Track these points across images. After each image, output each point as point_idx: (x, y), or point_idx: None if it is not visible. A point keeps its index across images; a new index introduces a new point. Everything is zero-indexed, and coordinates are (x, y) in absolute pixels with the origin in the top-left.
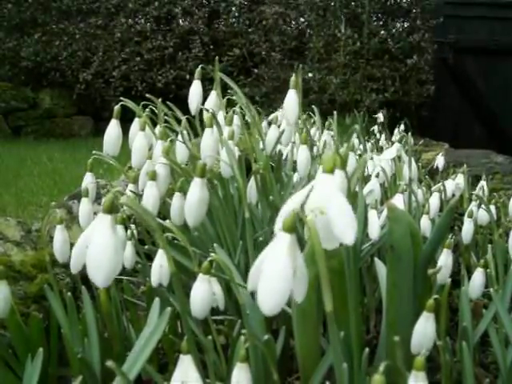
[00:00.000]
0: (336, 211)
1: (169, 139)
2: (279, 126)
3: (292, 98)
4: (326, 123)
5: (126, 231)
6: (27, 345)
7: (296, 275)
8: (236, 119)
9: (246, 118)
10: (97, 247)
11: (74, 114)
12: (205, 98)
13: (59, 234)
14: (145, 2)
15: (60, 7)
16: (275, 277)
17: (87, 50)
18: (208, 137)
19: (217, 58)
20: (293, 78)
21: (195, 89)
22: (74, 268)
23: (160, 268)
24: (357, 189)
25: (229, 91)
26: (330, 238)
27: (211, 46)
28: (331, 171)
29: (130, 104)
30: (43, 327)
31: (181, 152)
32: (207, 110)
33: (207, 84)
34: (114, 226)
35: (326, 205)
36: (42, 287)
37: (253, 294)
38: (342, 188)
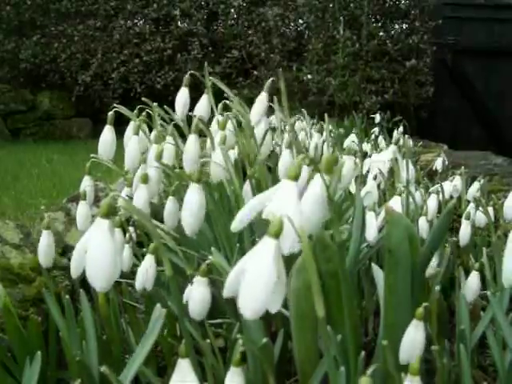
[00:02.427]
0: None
1: (163, 143)
2: (274, 129)
3: (261, 100)
4: (318, 126)
5: (124, 234)
6: (26, 348)
7: (276, 282)
8: (229, 124)
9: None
10: (95, 252)
11: (72, 115)
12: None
13: (44, 239)
14: (143, 3)
15: (59, 9)
16: (260, 281)
17: (86, 52)
18: (191, 143)
19: (206, 64)
20: (269, 81)
21: (181, 96)
22: (75, 272)
23: (145, 272)
24: (354, 190)
25: (225, 95)
26: (285, 241)
27: (210, 48)
28: (294, 178)
29: (124, 110)
30: (42, 330)
31: (168, 155)
32: (195, 116)
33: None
34: (112, 230)
35: (279, 212)
36: (41, 290)
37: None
38: (321, 194)
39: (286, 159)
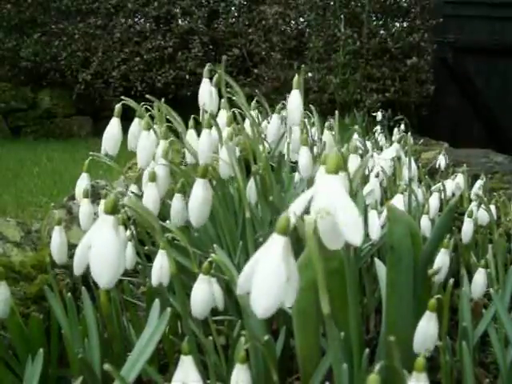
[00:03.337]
0: (343, 213)
1: (169, 140)
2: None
3: (295, 98)
4: (326, 123)
5: (126, 232)
6: (27, 345)
7: (288, 279)
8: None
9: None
10: (100, 249)
11: (73, 114)
12: None
13: (57, 236)
14: (144, 2)
15: (59, 7)
16: (269, 280)
17: (86, 50)
18: (205, 138)
19: (224, 57)
20: (296, 79)
21: (205, 87)
22: (78, 269)
23: (160, 269)
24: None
25: (228, 90)
26: (335, 238)
27: (211, 46)
28: (335, 172)
29: (132, 103)
30: (43, 328)
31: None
32: (206, 111)
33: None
34: (116, 227)
35: (333, 206)
36: (42, 288)
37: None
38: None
39: (305, 156)
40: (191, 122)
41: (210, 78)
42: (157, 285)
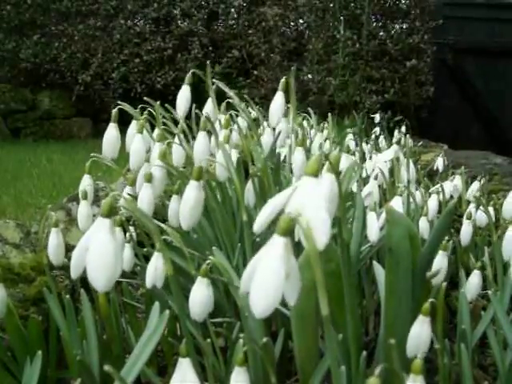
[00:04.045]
0: (311, 215)
1: (166, 142)
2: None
3: (278, 100)
4: (321, 125)
5: (125, 233)
6: (26, 347)
7: (289, 278)
8: (241, 121)
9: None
10: (96, 252)
11: (73, 115)
12: (201, 101)
13: (54, 238)
14: (144, 3)
15: (59, 9)
16: (267, 279)
17: (86, 52)
18: (201, 140)
19: (208, 62)
20: (283, 80)
21: (183, 93)
22: (74, 272)
23: (155, 270)
24: (355, 190)
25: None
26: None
27: (210, 48)
28: (313, 174)
29: (128, 107)
30: (42, 330)
31: (177, 154)
32: (201, 114)
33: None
34: (113, 230)
35: (303, 207)
36: (41, 290)
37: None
38: (333, 191)
39: (299, 157)
40: (180, 126)
41: (190, 84)
42: (151, 287)
